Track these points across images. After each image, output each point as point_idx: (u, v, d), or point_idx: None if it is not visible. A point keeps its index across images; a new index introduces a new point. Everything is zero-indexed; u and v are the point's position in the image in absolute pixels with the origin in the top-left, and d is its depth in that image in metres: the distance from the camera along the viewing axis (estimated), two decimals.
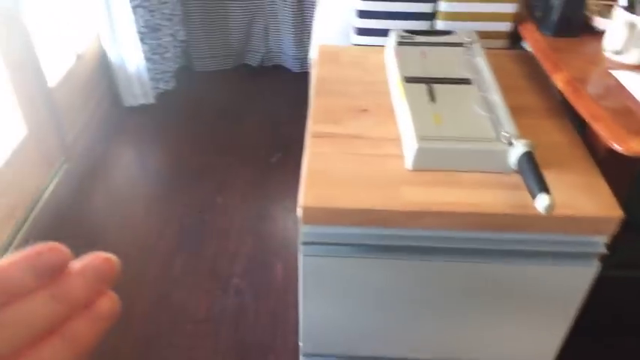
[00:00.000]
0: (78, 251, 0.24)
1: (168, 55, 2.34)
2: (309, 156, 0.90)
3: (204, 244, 1.71)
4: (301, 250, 0.87)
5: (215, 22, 2.46)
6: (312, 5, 2.38)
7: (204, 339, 1.43)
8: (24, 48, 1.66)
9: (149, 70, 2.22)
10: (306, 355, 1.05)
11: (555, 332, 0.95)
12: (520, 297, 0.90)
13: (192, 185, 1.94)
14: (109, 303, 0.23)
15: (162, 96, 2.37)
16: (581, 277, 0.86)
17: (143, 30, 2.15)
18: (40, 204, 1.74)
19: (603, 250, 0.83)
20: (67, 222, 1.76)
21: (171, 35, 2.35)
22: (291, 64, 2.56)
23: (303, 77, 2.54)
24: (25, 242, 1.64)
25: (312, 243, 0.86)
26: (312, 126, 0.97)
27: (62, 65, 1.93)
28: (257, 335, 1.44)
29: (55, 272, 0.22)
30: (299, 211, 0.82)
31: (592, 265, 0.84)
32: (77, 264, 0.23)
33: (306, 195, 0.82)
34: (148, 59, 2.21)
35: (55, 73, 1.85)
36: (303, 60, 2.55)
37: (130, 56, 2.13)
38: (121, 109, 2.28)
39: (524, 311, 0.92)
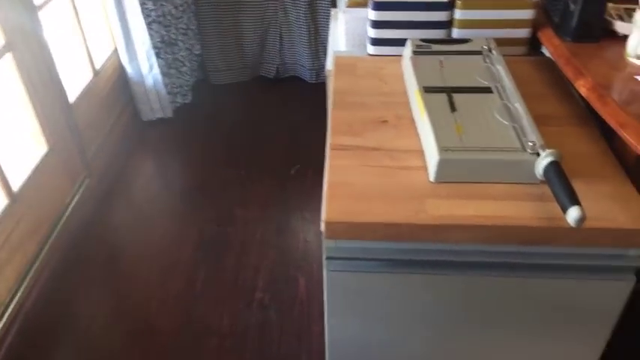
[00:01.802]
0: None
1: (184, 69, 2.36)
2: (329, 169, 0.89)
3: (225, 257, 1.71)
4: (325, 265, 0.86)
5: (229, 35, 2.48)
6: (326, 16, 2.39)
7: (229, 354, 1.42)
8: (44, 65, 1.68)
9: (166, 84, 2.24)
10: None
11: (591, 350, 0.92)
12: (552, 313, 0.88)
13: (212, 198, 1.95)
14: None
15: (180, 110, 2.39)
16: (616, 292, 0.84)
17: (159, 45, 2.17)
18: (64, 219, 1.75)
19: (638, 263, 0.80)
20: (89, 238, 1.77)
21: (187, 49, 2.37)
22: (307, 75, 2.57)
23: (319, 88, 2.54)
24: (50, 258, 1.66)
25: (337, 258, 0.85)
26: (331, 138, 0.96)
27: (80, 81, 1.96)
28: (282, 351, 1.43)
29: None
30: (322, 226, 0.81)
31: (628, 279, 0.82)
32: None
33: (329, 209, 0.82)
34: (164, 74, 2.23)
35: (73, 89, 1.88)
36: (319, 70, 2.55)
37: (147, 71, 2.16)
38: (139, 124, 2.30)
39: (558, 328, 0.90)
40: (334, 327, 0.95)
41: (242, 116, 2.40)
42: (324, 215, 0.81)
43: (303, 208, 1.89)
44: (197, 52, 2.46)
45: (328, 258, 0.85)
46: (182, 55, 2.33)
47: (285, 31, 2.48)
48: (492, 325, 0.91)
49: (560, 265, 0.82)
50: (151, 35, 2.11)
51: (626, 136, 0.80)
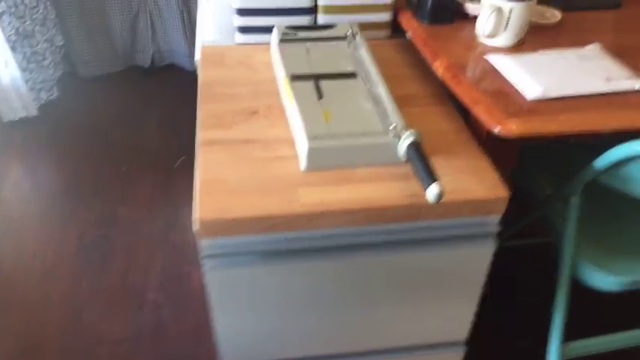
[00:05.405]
0: None
1: (46, 62, 2.18)
2: (200, 166, 0.87)
3: (110, 261, 1.63)
4: (203, 264, 0.84)
5: (94, 22, 2.31)
6: None
7: None
8: None
9: (26, 80, 2.05)
10: None
11: (466, 308, 1.00)
12: (429, 282, 0.93)
13: (91, 199, 1.83)
14: None
15: (45, 107, 2.21)
16: (481, 255, 0.90)
17: (13, 38, 1.98)
18: None
19: (496, 228, 0.87)
20: None
21: (47, 41, 2.18)
22: (186, 63, 2.48)
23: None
24: None
25: (214, 256, 0.84)
26: (200, 133, 0.93)
27: None
28: (180, 349, 1.39)
29: None
30: (196, 226, 0.79)
31: (489, 244, 0.89)
32: None
33: (201, 207, 0.80)
34: (23, 69, 2.04)
35: None
36: None
37: (2, 67, 1.96)
38: (0, 126, 2.09)
39: (436, 295, 0.96)
40: (222, 325, 0.94)
41: (117, 109, 2.27)
42: (196, 214, 0.79)
43: (191, 201, 1.84)
44: (59, 44, 2.28)
45: (205, 257, 0.83)
46: (42, 48, 2.14)
47: (156, 16, 2.36)
48: (376, 301, 0.95)
49: (430, 238, 0.86)
50: (2, 28, 1.91)
51: (478, 112, 0.86)
